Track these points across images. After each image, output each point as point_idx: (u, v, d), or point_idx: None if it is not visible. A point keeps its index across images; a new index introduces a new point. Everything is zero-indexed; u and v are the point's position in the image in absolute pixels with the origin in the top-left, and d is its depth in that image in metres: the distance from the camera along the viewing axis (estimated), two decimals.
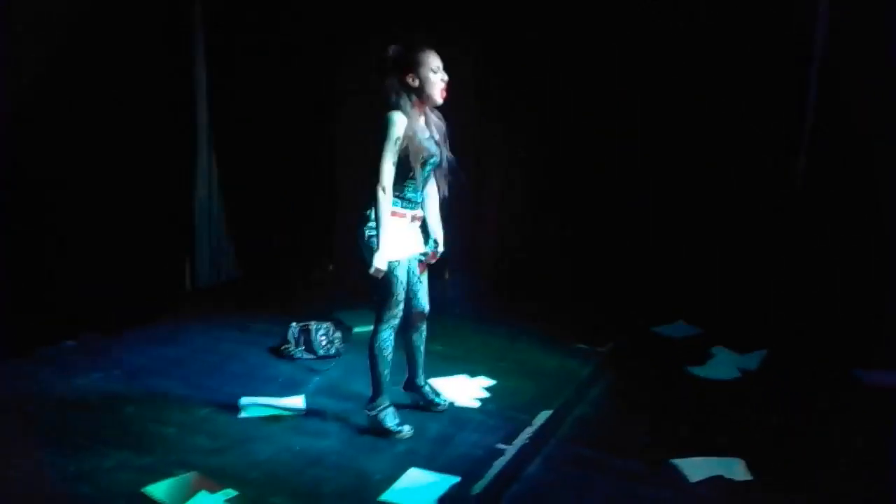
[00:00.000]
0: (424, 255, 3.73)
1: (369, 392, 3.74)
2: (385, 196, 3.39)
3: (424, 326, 3.85)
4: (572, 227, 6.09)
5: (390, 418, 3.68)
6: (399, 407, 3.79)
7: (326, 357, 4.62)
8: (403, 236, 3.54)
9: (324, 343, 4.65)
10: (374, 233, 3.44)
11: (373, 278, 3.46)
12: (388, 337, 3.60)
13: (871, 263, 5.19)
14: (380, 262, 3.40)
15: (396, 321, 3.60)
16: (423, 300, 3.78)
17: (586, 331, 5.17)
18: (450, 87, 3.50)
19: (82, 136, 4.67)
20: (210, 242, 5.80)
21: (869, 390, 4.54)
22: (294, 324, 4.70)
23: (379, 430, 3.66)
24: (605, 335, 5.11)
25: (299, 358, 4.60)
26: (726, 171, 5.63)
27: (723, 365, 4.85)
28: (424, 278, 3.77)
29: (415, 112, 3.45)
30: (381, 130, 3.38)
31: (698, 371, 4.77)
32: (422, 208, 3.66)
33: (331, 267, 6.58)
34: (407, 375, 3.97)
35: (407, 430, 3.67)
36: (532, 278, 6.15)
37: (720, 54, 5.51)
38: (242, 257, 6.04)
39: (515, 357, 4.78)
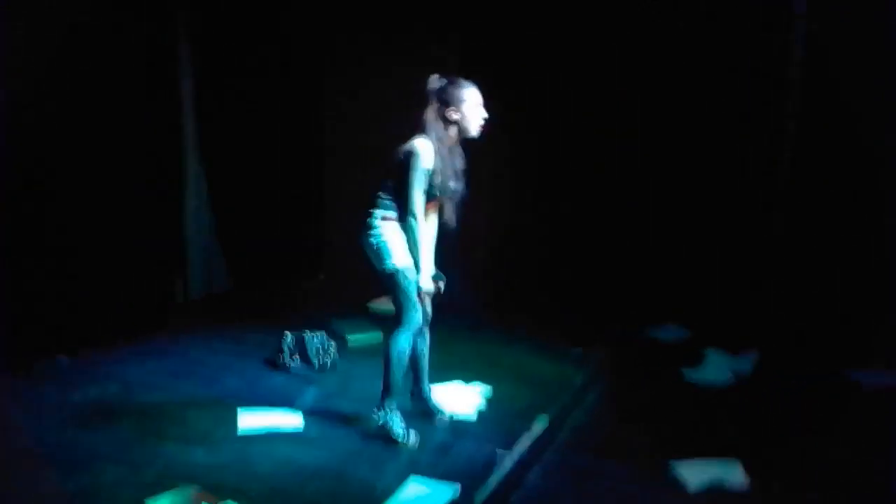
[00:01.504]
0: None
1: (370, 399, 3.76)
2: (418, 224, 3.51)
3: (428, 332, 3.88)
4: (564, 232, 6.12)
5: (399, 425, 3.68)
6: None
7: (321, 367, 4.61)
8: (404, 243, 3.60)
9: (319, 353, 4.64)
10: (380, 239, 3.54)
11: (389, 282, 3.58)
12: (408, 340, 3.64)
13: (863, 264, 5.24)
14: (428, 282, 3.56)
15: (417, 324, 3.65)
16: (428, 306, 3.81)
17: (581, 336, 5.19)
18: (487, 124, 3.60)
19: (72, 150, 4.65)
20: (201, 254, 5.78)
21: (863, 391, 4.59)
22: (288, 334, 4.69)
23: (385, 433, 3.67)
24: (599, 340, 5.13)
25: (294, 368, 4.59)
26: (715, 173, 5.68)
27: (716, 367, 4.88)
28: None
29: (444, 145, 3.54)
30: (410, 159, 3.46)
31: (692, 374, 4.80)
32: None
33: (322, 276, 6.57)
34: (412, 385, 3.97)
35: (413, 439, 3.68)
36: (524, 284, 6.17)
37: (711, 58, 5.56)
38: (234, 268, 6.02)
39: (511, 364, 4.79)
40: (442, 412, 3.99)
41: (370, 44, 6.30)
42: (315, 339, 4.68)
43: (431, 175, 3.49)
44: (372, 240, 3.58)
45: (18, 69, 4.23)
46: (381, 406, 3.70)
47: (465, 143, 3.69)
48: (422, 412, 3.96)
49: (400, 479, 3.38)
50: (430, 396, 3.99)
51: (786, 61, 5.44)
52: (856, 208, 5.27)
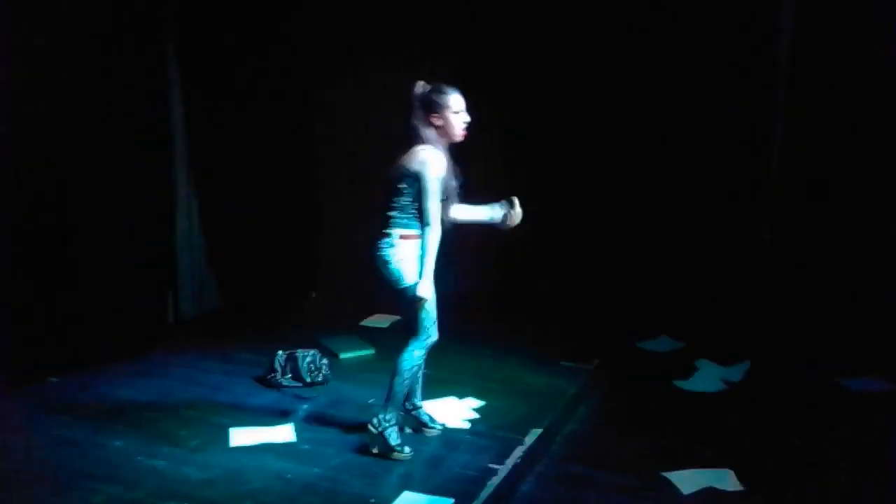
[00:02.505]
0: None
1: (363, 414, 3.76)
2: (436, 235, 3.55)
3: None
4: (554, 244, 6.13)
5: (395, 436, 3.68)
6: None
7: (314, 384, 4.61)
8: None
9: (311, 370, 4.63)
10: (399, 257, 3.58)
11: (408, 300, 3.60)
12: (421, 356, 3.68)
13: (854, 272, 5.28)
14: (425, 291, 3.55)
15: (432, 340, 3.68)
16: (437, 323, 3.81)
17: (572, 348, 5.20)
18: (470, 128, 3.65)
19: (61, 170, 4.64)
20: (192, 274, 5.77)
21: (854, 398, 4.61)
22: (280, 352, 4.68)
23: (380, 446, 3.67)
24: (590, 352, 5.14)
25: (287, 386, 4.58)
26: (705, 183, 5.72)
27: (707, 378, 4.90)
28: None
29: (442, 150, 3.60)
30: (425, 170, 3.52)
31: (684, 384, 4.81)
32: None
33: (314, 294, 6.57)
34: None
35: (408, 451, 3.68)
36: (515, 297, 6.18)
37: (699, 68, 5.62)
38: (225, 288, 6.01)
39: (502, 377, 4.79)
40: (434, 424, 3.99)
41: (364, 56, 6.34)
42: (307, 357, 4.67)
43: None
44: (390, 258, 3.60)
45: (9, 86, 4.24)
46: (380, 419, 3.68)
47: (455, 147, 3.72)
48: (415, 424, 3.96)
49: (393, 493, 3.38)
50: (422, 408, 3.99)
51: (774, 69, 5.49)
52: (846, 216, 5.31)
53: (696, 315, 5.56)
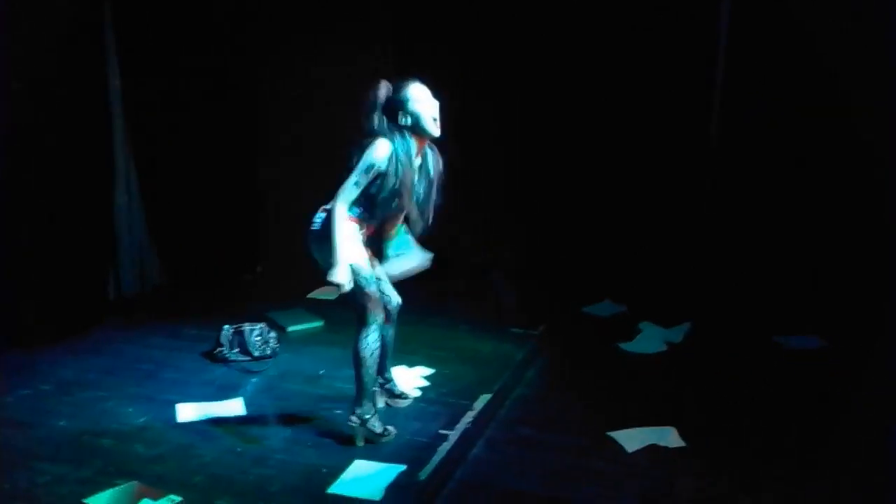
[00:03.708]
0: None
1: (312, 385, 3.74)
2: (342, 214, 3.33)
3: (395, 318, 3.79)
4: (500, 213, 6.18)
5: (378, 425, 3.61)
6: None
7: (262, 358, 4.58)
8: (357, 239, 3.47)
9: (259, 343, 4.60)
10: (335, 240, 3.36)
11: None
12: (375, 339, 3.51)
13: (790, 232, 5.43)
14: (341, 276, 3.34)
15: (381, 318, 3.54)
16: (392, 293, 3.73)
17: (519, 315, 5.27)
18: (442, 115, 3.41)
19: None
20: (132, 250, 5.66)
21: (790, 355, 4.78)
22: (227, 326, 4.64)
23: (366, 436, 3.59)
24: (537, 318, 5.21)
25: (234, 360, 4.54)
26: (644, 146, 5.79)
27: (650, 339, 5.02)
28: (384, 273, 3.69)
29: (410, 150, 3.37)
30: (366, 151, 3.31)
31: (627, 347, 4.92)
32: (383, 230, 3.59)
33: (259, 268, 6.50)
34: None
35: (392, 430, 3.64)
36: (462, 265, 6.21)
37: (640, 28, 5.67)
38: (167, 263, 5.91)
39: (452, 345, 4.83)
40: (407, 395, 3.99)
41: (305, 35, 6.24)
42: (254, 331, 4.63)
43: (385, 179, 3.34)
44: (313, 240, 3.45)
45: None
46: (355, 411, 3.58)
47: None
48: (387, 397, 3.93)
49: (345, 462, 3.40)
50: (392, 381, 3.97)
51: (714, 34, 5.56)
52: (784, 176, 5.44)
53: (638, 278, 5.68)
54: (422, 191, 3.51)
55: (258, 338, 4.61)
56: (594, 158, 5.91)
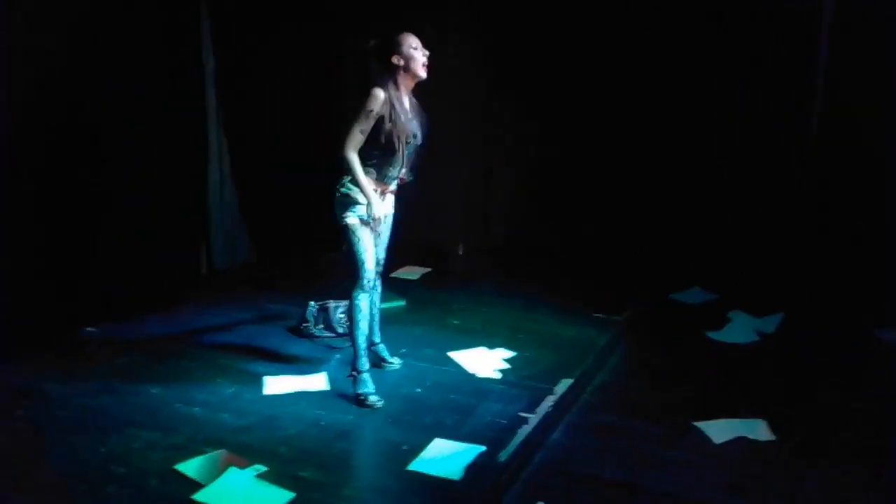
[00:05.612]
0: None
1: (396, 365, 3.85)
2: (354, 158, 3.61)
3: (379, 283, 4.00)
4: (587, 196, 6.09)
5: (369, 385, 3.78)
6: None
7: (346, 335, 4.63)
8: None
9: (343, 320, 4.67)
10: (346, 190, 3.68)
11: (343, 236, 3.70)
12: (361, 299, 3.74)
13: (889, 224, 5.17)
14: (378, 209, 3.64)
15: (366, 282, 3.74)
16: (381, 252, 3.92)
17: (603, 300, 5.18)
18: (432, 62, 3.68)
19: (97, 123, 4.70)
20: (224, 226, 5.82)
21: (888, 350, 4.55)
22: (312, 303, 4.72)
23: (357, 395, 3.75)
24: (621, 304, 5.12)
25: (319, 336, 4.63)
26: (741, 133, 5.61)
27: (740, 329, 4.87)
28: (385, 235, 3.93)
29: (400, 93, 3.65)
30: (360, 101, 3.59)
31: (716, 336, 4.78)
32: (396, 186, 3.85)
33: (344, 248, 6.57)
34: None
35: (377, 399, 3.75)
36: (546, 249, 6.16)
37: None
38: (256, 240, 6.06)
39: (533, 328, 4.79)
40: (391, 360, 4.14)
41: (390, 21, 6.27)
42: (339, 308, 4.70)
43: (382, 122, 3.58)
44: (337, 195, 3.71)
45: (39, 50, 4.27)
46: (353, 369, 3.79)
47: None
48: (374, 360, 4.06)
49: (425, 440, 3.42)
50: (380, 343, 4.14)
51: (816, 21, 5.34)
52: (882, 166, 5.18)
53: (730, 266, 5.50)
54: (416, 132, 3.71)
55: (342, 315, 4.67)
56: (694, 148, 5.76)
